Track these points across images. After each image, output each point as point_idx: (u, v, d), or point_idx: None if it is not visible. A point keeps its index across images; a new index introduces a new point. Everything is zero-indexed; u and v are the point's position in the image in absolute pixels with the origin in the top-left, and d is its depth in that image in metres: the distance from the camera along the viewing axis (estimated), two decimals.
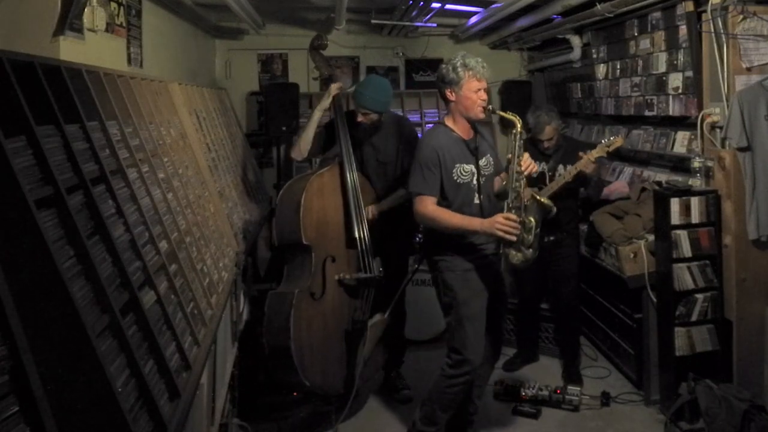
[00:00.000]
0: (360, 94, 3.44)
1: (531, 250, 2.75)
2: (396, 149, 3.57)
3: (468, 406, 3.14)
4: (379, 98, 3.44)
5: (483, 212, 2.86)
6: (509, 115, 2.85)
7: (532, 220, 2.73)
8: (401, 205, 3.43)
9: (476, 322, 2.90)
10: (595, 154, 3.64)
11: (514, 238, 2.70)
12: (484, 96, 2.84)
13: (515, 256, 2.75)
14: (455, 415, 3.11)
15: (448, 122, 2.95)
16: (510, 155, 2.80)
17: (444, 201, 2.88)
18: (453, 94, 2.85)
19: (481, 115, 2.86)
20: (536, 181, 3.89)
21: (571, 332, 4.06)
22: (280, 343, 3.25)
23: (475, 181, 2.89)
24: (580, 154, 3.64)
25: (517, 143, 2.78)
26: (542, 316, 4.32)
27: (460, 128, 2.92)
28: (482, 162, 2.92)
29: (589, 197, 4.28)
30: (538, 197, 2.77)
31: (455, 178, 2.86)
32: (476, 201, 2.89)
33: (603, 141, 3.72)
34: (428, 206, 2.83)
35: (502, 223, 2.67)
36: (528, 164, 2.79)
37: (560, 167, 3.85)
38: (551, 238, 3.89)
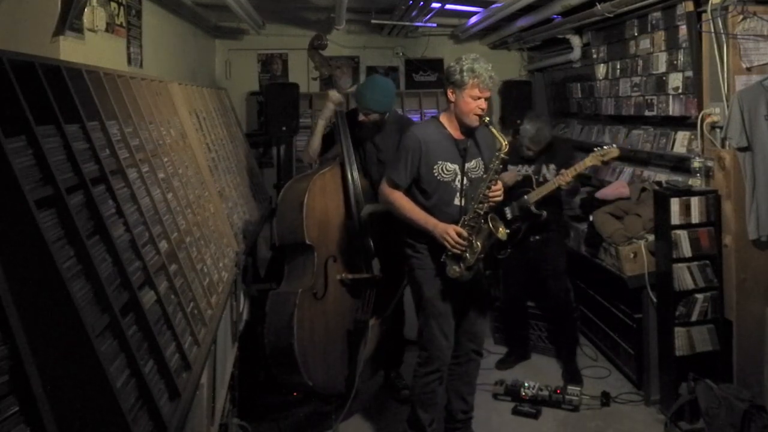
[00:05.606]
0: (361, 95, 3.43)
1: (468, 271, 2.82)
2: (397, 149, 3.55)
3: (457, 404, 3.12)
4: (381, 99, 3.43)
5: (462, 214, 2.85)
6: (499, 136, 2.83)
7: (479, 245, 2.79)
8: None
9: (442, 321, 2.91)
10: (588, 162, 3.62)
11: (458, 252, 2.77)
12: (483, 105, 2.83)
13: (452, 269, 2.81)
14: (446, 418, 3.13)
15: (443, 119, 2.96)
16: (486, 175, 2.83)
17: (422, 195, 2.88)
18: (453, 94, 2.86)
19: (475, 123, 2.85)
20: (523, 184, 3.86)
21: (567, 330, 4.05)
22: (283, 343, 3.24)
23: (457, 182, 2.88)
24: (565, 172, 3.62)
25: (496, 166, 2.80)
26: (534, 314, 4.31)
27: (453, 127, 2.92)
28: (470, 164, 2.91)
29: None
30: (493, 228, 2.78)
31: (435, 174, 2.86)
32: (456, 202, 2.88)
33: (597, 149, 3.68)
34: (394, 191, 2.89)
35: (452, 235, 2.75)
36: (497, 193, 2.82)
37: (543, 167, 3.84)
38: (537, 237, 3.89)
